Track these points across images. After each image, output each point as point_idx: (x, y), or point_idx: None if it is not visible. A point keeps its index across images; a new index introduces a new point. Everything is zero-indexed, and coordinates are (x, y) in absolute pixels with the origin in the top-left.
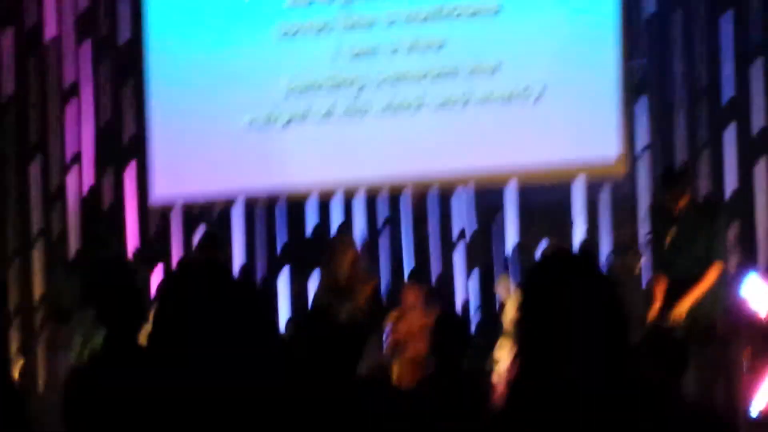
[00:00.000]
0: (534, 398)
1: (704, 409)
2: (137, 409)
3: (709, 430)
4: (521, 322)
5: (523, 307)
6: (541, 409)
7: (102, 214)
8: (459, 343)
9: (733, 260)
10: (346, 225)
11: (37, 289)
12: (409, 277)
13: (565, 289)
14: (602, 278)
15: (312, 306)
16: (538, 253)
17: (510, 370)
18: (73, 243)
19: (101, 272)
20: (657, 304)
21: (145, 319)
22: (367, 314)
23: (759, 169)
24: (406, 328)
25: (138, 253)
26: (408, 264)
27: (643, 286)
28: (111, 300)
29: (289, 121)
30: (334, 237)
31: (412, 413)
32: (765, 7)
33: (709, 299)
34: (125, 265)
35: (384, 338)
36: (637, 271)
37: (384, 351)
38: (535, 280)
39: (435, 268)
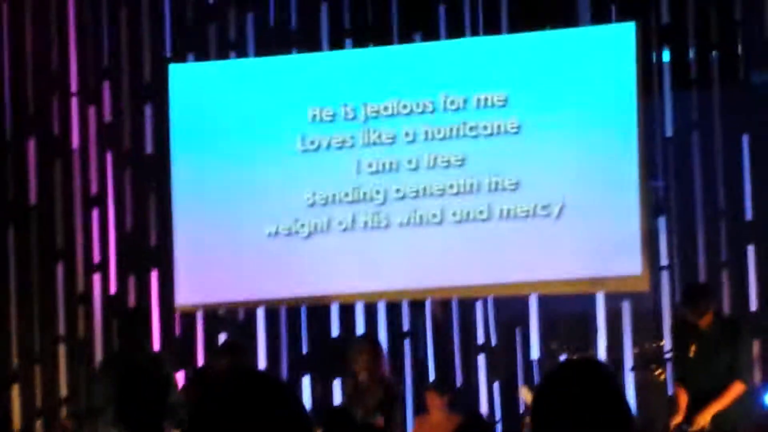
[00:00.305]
0: None
1: None
2: None
3: None
4: (534, 429)
5: (535, 415)
6: None
7: (136, 316)
8: None
9: (757, 376)
10: (368, 333)
11: (62, 390)
12: (432, 383)
13: (575, 399)
14: (612, 389)
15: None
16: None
17: None
18: (99, 345)
19: (136, 373)
20: (680, 415)
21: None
22: (387, 416)
23: None
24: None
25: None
26: (431, 372)
27: (667, 399)
28: (141, 400)
29: (310, 233)
30: (354, 340)
31: None
32: None
33: (732, 413)
34: (160, 364)
35: None
36: (660, 383)
37: None
38: (547, 389)
39: (458, 376)
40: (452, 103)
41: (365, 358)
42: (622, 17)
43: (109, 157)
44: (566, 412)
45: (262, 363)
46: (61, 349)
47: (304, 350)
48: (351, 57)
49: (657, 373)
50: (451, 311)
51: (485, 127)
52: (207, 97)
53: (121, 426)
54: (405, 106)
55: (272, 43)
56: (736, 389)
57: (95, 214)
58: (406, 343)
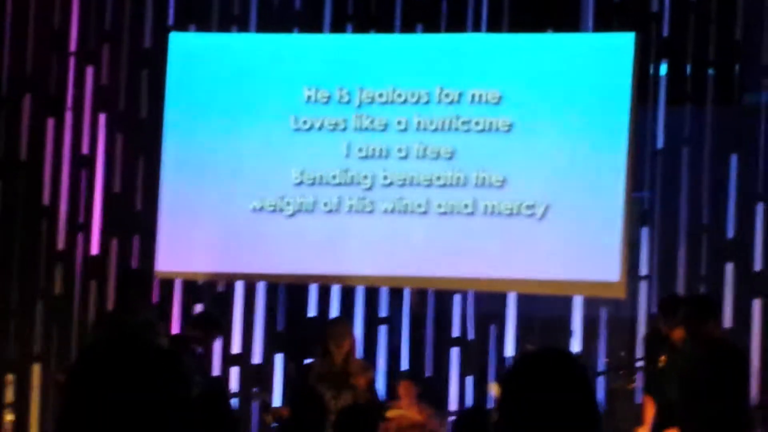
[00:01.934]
0: None
1: None
2: None
3: None
4: (499, 418)
5: (501, 404)
6: None
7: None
8: None
9: None
10: (345, 316)
11: (37, 346)
12: (407, 373)
13: (540, 387)
14: (577, 375)
15: (303, 391)
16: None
17: None
18: (76, 304)
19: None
20: (645, 427)
21: None
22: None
23: (755, 308)
24: (398, 422)
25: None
26: (404, 362)
27: (634, 408)
28: None
29: (295, 212)
30: (330, 323)
31: None
32: None
33: None
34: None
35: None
36: (628, 392)
37: None
38: (511, 377)
39: (430, 368)
40: (447, 96)
41: (348, 341)
42: (623, 27)
43: (102, 119)
44: (534, 401)
45: (236, 337)
46: (38, 305)
47: (279, 328)
48: (351, 41)
49: (627, 381)
50: (428, 302)
51: (477, 123)
52: (205, 68)
53: None
54: (400, 95)
55: (274, 20)
56: None
57: (83, 174)
58: (382, 330)
